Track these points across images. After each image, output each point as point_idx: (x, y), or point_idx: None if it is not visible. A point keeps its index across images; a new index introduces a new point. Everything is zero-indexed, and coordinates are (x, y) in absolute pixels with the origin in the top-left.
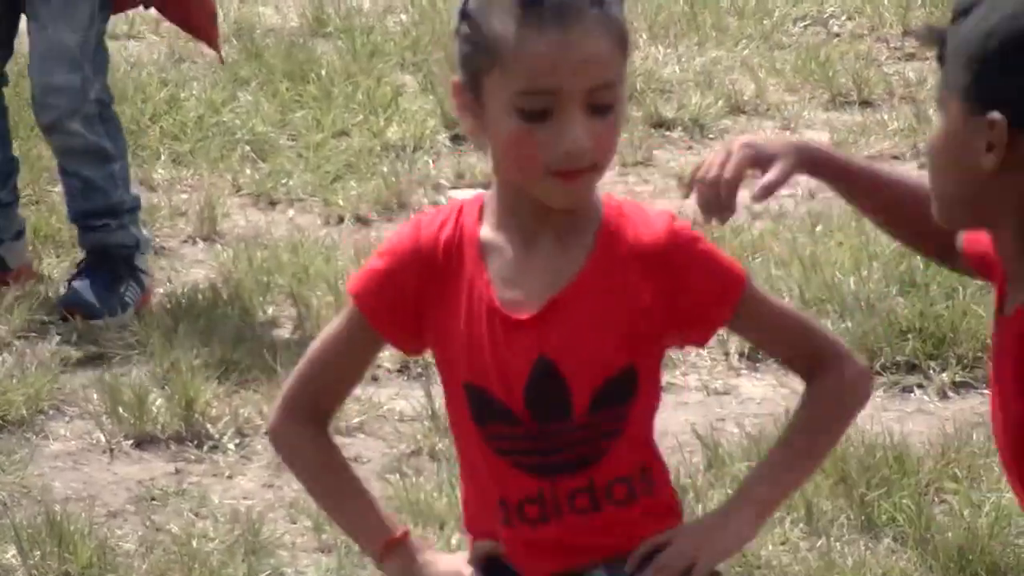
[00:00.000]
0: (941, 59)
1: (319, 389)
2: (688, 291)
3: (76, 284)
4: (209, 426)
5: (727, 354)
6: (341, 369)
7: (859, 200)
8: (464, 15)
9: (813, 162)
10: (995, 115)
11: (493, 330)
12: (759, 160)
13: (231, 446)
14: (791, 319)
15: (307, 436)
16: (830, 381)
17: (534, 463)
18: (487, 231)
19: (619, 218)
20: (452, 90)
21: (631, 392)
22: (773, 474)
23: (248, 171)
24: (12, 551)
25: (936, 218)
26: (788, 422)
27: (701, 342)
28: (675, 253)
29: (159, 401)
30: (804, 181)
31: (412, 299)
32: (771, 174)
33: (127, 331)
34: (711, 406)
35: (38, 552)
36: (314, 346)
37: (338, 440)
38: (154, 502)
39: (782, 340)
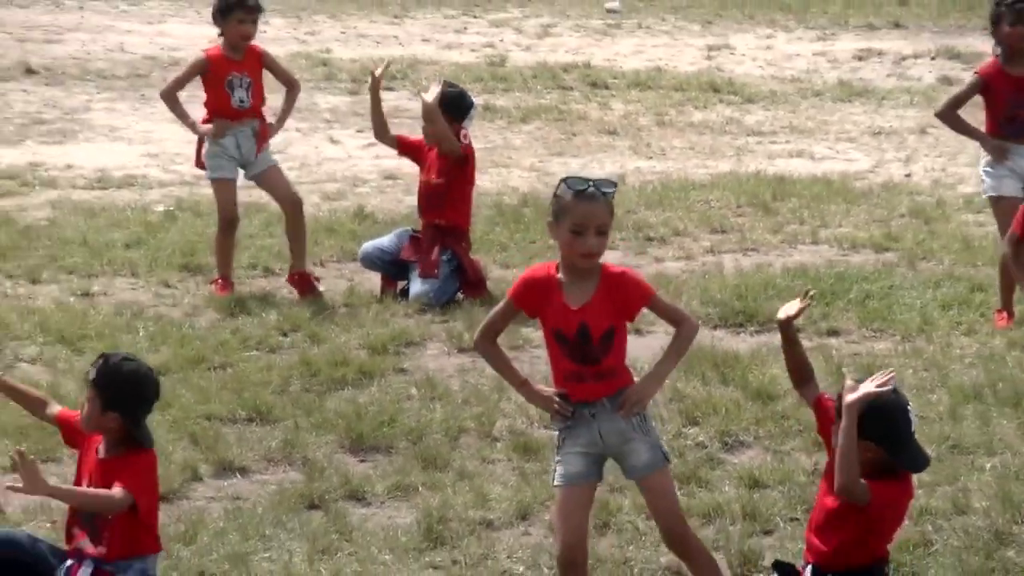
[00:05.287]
0: None
1: (494, 328)
2: (628, 297)
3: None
4: None
5: None
6: (503, 321)
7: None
8: (557, 197)
9: None
10: None
11: (564, 313)
12: None
13: None
14: (670, 306)
15: (490, 344)
16: (685, 328)
17: (577, 358)
18: (561, 274)
19: (607, 271)
20: (548, 223)
21: (613, 337)
22: (665, 363)
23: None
24: (413, 390)
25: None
26: (669, 344)
27: (633, 317)
28: (622, 279)
29: (465, 337)
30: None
31: (534, 298)
32: None
33: (459, 309)
34: (664, 342)
35: (426, 393)
36: (492, 313)
37: (511, 353)
38: (470, 372)
39: (667, 314)
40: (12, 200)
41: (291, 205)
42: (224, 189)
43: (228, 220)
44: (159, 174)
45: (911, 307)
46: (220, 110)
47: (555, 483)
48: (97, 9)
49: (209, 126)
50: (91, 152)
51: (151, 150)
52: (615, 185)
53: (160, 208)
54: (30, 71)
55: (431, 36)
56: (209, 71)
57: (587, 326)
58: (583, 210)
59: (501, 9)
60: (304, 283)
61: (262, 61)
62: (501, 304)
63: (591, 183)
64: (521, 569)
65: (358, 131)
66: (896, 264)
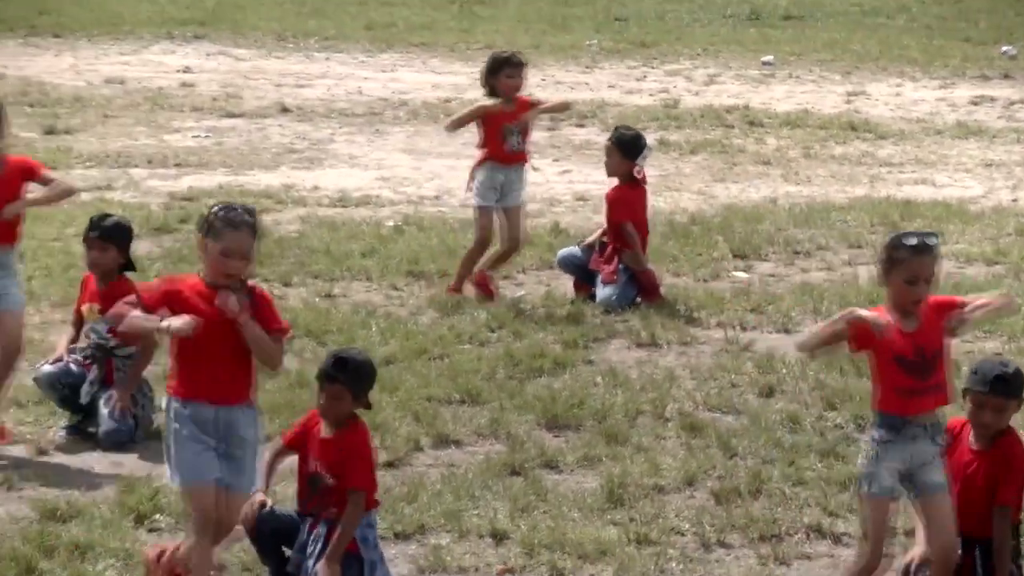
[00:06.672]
0: None
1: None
2: (942, 313)
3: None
4: (660, 338)
5: None
6: (838, 340)
7: None
8: (889, 250)
9: None
10: None
11: (902, 339)
12: None
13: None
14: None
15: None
16: (1003, 298)
17: (916, 375)
18: (889, 314)
19: (927, 301)
20: (877, 271)
21: (941, 354)
22: (979, 313)
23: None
24: (598, 379)
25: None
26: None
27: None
28: (933, 303)
29: (643, 334)
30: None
31: (866, 335)
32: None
33: (637, 312)
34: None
35: (610, 381)
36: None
37: (679, 348)
38: (647, 364)
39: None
40: (268, 215)
41: (512, 243)
42: (486, 216)
43: (483, 242)
44: (390, 195)
45: (1017, 313)
46: (494, 154)
47: (869, 492)
48: (340, 60)
49: (482, 156)
50: (334, 176)
51: (383, 175)
52: (938, 237)
53: (390, 223)
54: (285, 110)
55: (616, 83)
56: (487, 119)
57: (922, 347)
58: (917, 264)
59: (675, 62)
60: (483, 285)
61: (531, 106)
62: (840, 324)
63: (922, 238)
64: (687, 526)
65: (554, 160)
66: (1004, 276)
